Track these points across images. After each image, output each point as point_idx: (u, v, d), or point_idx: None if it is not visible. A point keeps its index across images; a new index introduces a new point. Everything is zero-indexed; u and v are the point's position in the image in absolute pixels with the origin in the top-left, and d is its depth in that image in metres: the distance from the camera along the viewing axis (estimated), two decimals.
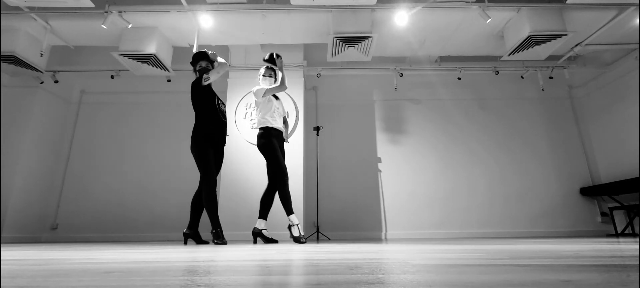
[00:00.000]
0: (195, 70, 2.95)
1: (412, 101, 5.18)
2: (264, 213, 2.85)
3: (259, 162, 4.23)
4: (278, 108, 3.02)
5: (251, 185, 4.14)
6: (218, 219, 2.66)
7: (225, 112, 2.98)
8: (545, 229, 4.56)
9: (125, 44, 3.81)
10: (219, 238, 2.59)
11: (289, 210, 2.73)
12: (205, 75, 2.79)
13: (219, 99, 2.92)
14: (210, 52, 2.95)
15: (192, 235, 2.76)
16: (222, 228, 2.69)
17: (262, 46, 4.73)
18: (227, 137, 2.97)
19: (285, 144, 3.06)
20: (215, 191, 2.69)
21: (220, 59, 2.91)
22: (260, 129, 2.91)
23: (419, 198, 4.70)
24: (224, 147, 2.94)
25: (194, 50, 3.87)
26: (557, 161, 4.88)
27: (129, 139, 4.86)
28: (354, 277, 0.64)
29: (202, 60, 2.91)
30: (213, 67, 2.91)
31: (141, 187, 4.64)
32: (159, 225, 4.47)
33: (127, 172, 4.70)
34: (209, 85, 2.86)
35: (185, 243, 2.71)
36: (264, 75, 3.01)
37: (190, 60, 2.99)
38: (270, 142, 2.84)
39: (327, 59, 4.14)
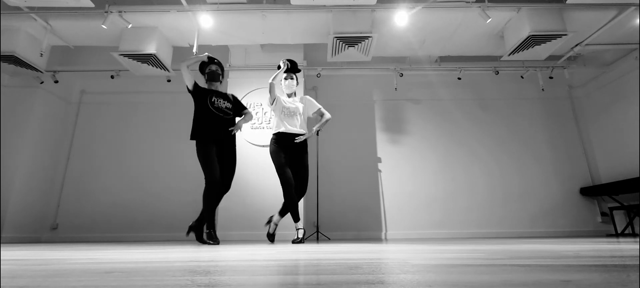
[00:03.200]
0: (203, 73, 3.02)
1: (412, 101, 5.17)
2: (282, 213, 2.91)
3: (258, 162, 4.24)
4: (289, 107, 2.95)
5: (251, 185, 4.14)
6: (213, 219, 2.66)
7: (225, 107, 2.90)
8: (545, 229, 4.56)
9: (125, 44, 3.81)
10: (211, 238, 2.61)
11: (293, 218, 2.82)
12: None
13: (216, 96, 2.89)
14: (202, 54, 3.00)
15: (196, 229, 2.71)
16: (217, 228, 2.69)
17: (262, 46, 4.73)
18: (233, 133, 2.88)
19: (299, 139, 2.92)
20: (215, 190, 2.66)
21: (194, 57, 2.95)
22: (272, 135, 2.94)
23: (419, 198, 4.69)
24: (235, 145, 2.92)
25: (194, 50, 3.88)
26: (557, 161, 4.88)
27: (129, 139, 4.86)
28: (354, 277, 0.64)
29: (211, 65, 2.98)
30: (221, 69, 3.03)
31: (141, 187, 4.63)
32: (160, 225, 4.47)
33: (127, 172, 4.70)
34: (204, 86, 2.94)
35: (188, 234, 2.70)
36: (286, 78, 3.03)
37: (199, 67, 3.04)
38: (274, 149, 2.86)
39: (327, 59, 4.14)
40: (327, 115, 3.05)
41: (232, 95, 3.06)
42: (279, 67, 2.94)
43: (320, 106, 3.06)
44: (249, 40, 4.25)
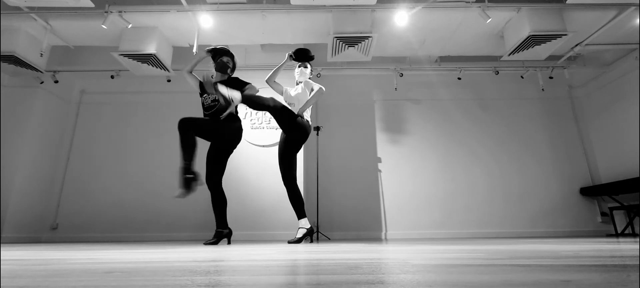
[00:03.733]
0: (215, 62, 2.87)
1: (412, 101, 5.17)
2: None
3: (258, 162, 4.24)
4: (289, 96, 3.02)
5: (252, 185, 4.14)
6: (219, 219, 2.68)
7: (211, 101, 2.71)
8: (545, 229, 4.56)
9: (125, 44, 3.81)
10: (213, 237, 2.63)
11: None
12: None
13: (205, 93, 2.76)
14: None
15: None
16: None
17: (262, 46, 4.73)
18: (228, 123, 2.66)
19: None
20: (212, 189, 2.72)
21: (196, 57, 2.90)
22: None
23: (419, 198, 4.69)
24: (230, 139, 2.70)
25: (194, 51, 3.88)
26: (557, 161, 4.88)
27: (129, 139, 4.85)
28: (354, 277, 0.64)
29: (224, 56, 2.83)
30: (233, 62, 2.90)
31: (141, 187, 4.63)
32: (159, 225, 4.47)
33: (127, 172, 4.69)
34: (202, 83, 2.85)
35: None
36: (299, 66, 3.09)
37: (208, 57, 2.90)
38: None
39: (327, 59, 4.14)
40: (322, 89, 2.90)
41: (229, 78, 2.80)
42: (292, 58, 3.00)
43: (316, 84, 2.96)
44: (249, 40, 4.25)
